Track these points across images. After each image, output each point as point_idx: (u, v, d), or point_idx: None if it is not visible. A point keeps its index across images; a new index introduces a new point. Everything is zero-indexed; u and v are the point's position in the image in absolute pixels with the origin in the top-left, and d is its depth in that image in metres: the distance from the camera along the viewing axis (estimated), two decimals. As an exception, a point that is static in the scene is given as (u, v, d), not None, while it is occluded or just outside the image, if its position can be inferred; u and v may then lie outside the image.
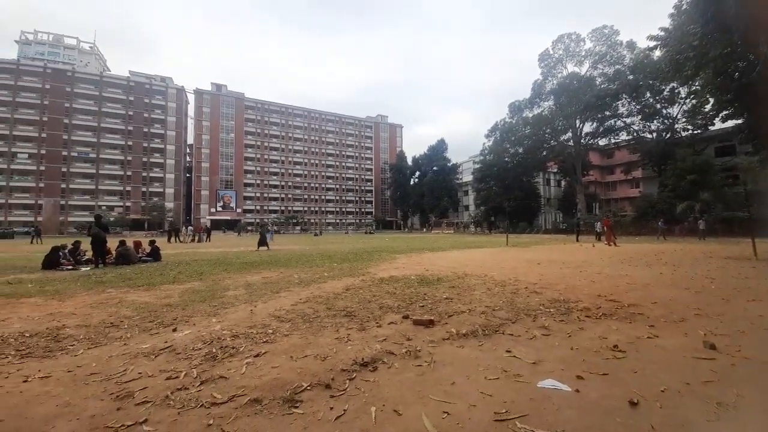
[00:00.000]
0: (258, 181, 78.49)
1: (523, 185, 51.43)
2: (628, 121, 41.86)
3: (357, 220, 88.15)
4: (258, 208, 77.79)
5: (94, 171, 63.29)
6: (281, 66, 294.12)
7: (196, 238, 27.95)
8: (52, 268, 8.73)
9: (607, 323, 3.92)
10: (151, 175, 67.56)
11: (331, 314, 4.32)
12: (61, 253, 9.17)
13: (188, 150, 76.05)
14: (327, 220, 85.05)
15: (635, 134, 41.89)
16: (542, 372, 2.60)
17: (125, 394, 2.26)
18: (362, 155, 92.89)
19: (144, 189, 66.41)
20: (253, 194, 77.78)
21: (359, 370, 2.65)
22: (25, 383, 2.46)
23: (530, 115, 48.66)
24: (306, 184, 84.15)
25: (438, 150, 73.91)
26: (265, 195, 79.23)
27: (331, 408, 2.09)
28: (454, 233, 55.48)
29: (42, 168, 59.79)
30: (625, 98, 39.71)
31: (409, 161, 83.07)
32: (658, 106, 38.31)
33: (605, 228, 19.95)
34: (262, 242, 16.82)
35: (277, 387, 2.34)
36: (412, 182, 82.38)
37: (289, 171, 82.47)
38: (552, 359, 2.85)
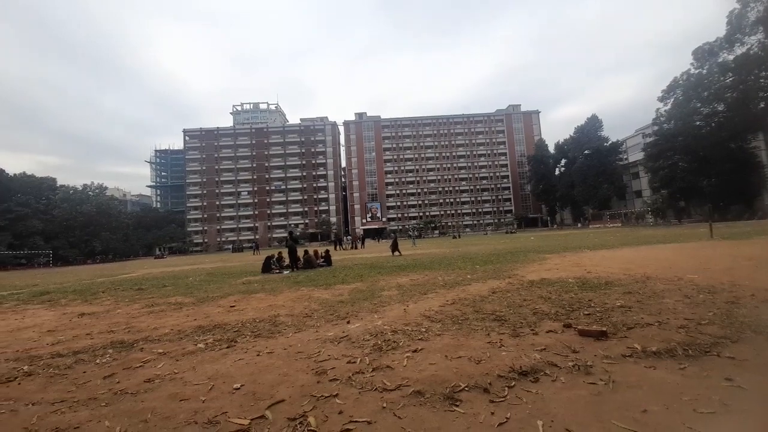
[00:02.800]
0: (397, 192, 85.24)
1: (732, 154, 36.96)
2: None
3: (495, 220, 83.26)
4: (399, 215, 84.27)
5: (284, 198, 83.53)
6: (411, 80, 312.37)
7: (354, 245, 32.54)
8: (267, 272, 11.89)
9: None
10: (319, 196, 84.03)
11: (479, 317, 4.26)
12: (271, 261, 12.43)
13: (342, 172, 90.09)
14: (464, 222, 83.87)
15: None
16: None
17: (321, 371, 2.88)
18: (495, 151, 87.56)
19: (315, 208, 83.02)
20: (394, 204, 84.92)
21: (518, 378, 2.52)
22: (257, 357, 3.44)
23: (729, 57, 34.86)
24: (440, 189, 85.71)
25: (589, 129, 61.69)
26: (405, 203, 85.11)
27: (492, 413, 2.08)
28: (622, 227, 44.98)
29: (255, 201, 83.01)
30: None
31: (551, 149, 72.77)
32: None
33: None
34: (395, 247, 17.82)
35: (436, 383, 2.50)
36: (557, 172, 71.78)
37: (424, 178, 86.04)
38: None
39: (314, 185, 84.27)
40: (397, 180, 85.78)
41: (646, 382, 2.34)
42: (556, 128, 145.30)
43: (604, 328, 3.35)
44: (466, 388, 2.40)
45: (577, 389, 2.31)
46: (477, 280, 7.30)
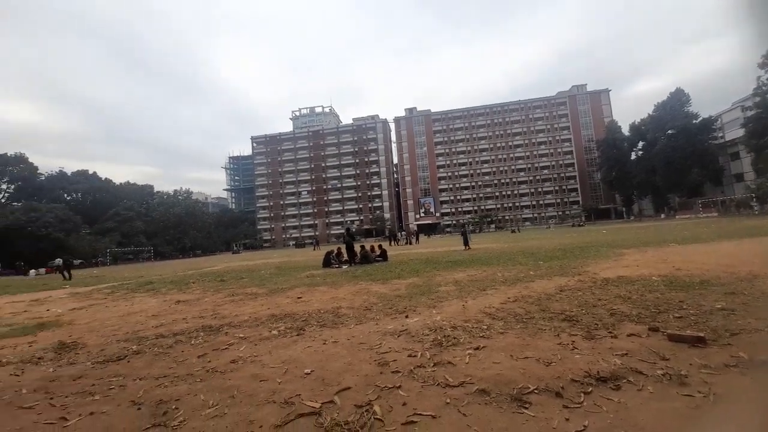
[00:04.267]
0: (450, 186, 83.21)
1: None
2: None
3: (559, 213, 76.84)
4: (453, 210, 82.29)
5: (340, 196, 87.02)
6: (460, 71, 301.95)
7: (408, 240, 32.68)
8: (327, 267, 12.55)
9: None
10: (373, 193, 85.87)
11: (546, 316, 4.01)
12: (331, 256, 13.09)
13: (394, 168, 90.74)
14: (523, 216, 78.82)
15: None
16: None
17: (383, 362, 2.96)
18: (557, 137, 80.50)
19: (370, 205, 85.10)
20: (447, 198, 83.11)
21: (596, 384, 2.33)
22: (324, 345, 3.66)
23: None
24: (496, 181, 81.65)
25: (673, 106, 53.16)
26: (458, 197, 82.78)
27: (567, 419, 1.95)
28: (720, 216, 38.39)
29: (314, 199, 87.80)
30: None
31: (626, 131, 64.18)
32: None
33: None
34: (466, 241, 17.42)
35: (501, 382, 2.42)
36: (633, 156, 63.35)
37: (478, 171, 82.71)
38: None
39: (368, 182, 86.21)
40: (449, 174, 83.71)
41: (755, 397, 2.00)
42: (628, 109, 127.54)
43: (702, 334, 2.93)
44: (536, 391, 2.28)
45: (669, 401, 2.06)
46: (541, 277, 6.86)
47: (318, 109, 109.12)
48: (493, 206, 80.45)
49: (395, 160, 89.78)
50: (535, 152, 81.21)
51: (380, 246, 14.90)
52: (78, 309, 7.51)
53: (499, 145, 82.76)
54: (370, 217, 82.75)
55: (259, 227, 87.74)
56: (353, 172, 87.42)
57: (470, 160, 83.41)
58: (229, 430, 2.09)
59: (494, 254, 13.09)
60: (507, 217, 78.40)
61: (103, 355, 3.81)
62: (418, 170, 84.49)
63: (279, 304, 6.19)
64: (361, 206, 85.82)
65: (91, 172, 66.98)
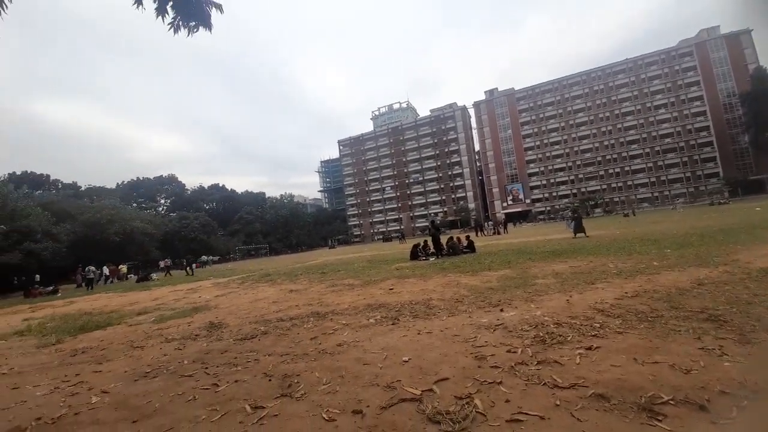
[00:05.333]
0: (542, 169, 75.22)
1: None
2: None
3: (690, 189, 62.17)
4: (546, 195, 74.37)
5: (423, 189, 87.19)
6: (545, 42, 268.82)
7: (496, 230, 30.94)
8: (414, 259, 12.80)
9: None
10: (455, 183, 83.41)
11: (680, 315, 3.36)
12: (417, 249, 13.30)
13: (477, 156, 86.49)
14: (639, 196, 66.30)
15: None
16: None
17: (480, 356, 2.91)
18: (682, 96, 64.77)
19: (453, 196, 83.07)
20: (538, 183, 75.47)
21: (753, 398, 1.88)
22: (418, 335, 3.75)
23: None
24: (599, 158, 70.37)
25: None
26: (552, 181, 74.34)
27: (716, 436, 1.63)
28: None
29: (397, 194, 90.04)
30: None
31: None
32: None
33: None
34: (578, 227, 14.92)
35: (625, 389, 2.14)
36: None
37: (575, 149, 72.62)
38: None
39: (449, 173, 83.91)
40: (540, 156, 75.55)
41: None
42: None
43: None
44: (671, 402, 1.95)
45: None
46: (669, 268, 5.76)
47: (396, 106, 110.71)
48: (597, 187, 69.68)
49: (477, 148, 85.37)
50: (651, 118, 67.17)
51: (467, 237, 14.45)
52: (220, 296, 9.26)
53: (601, 115, 71.00)
54: (454, 208, 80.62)
55: (349, 223, 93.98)
56: (434, 164, 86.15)
57: (565, 137, 73.73)
58: (342, 405, 2.34)
59: (603, 242, 11.44)
60: (616, 199, 67.23)
61: (241, 334, 4.65)
62: (503, 155, 78.66)
63: (373, 294, 6.58)
64: (443, 198, 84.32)
65: (220, 185, 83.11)
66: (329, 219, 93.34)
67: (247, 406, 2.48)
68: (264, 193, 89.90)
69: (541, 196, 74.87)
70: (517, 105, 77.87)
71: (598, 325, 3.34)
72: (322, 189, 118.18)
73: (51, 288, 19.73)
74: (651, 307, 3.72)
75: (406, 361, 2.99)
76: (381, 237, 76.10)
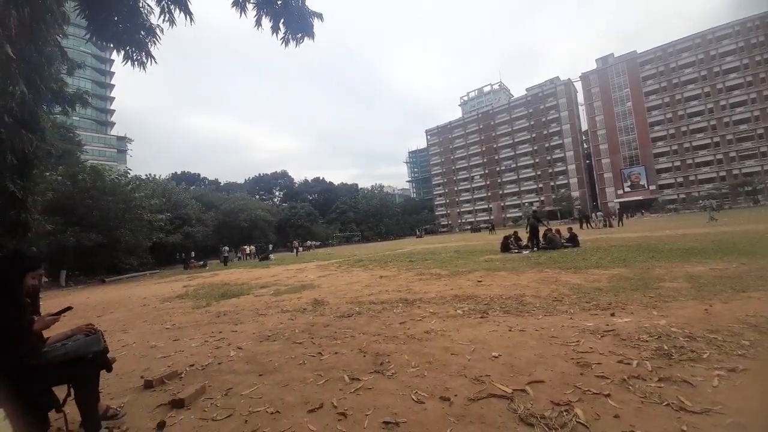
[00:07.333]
0: (674, 147, 61.11)
1: None
2: None
3: None
4: (680, 180, 60.34)
5: (515, 177, 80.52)
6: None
7: (607, 222, 26.76)
8: (506, 251, 12.05)
9: None
10: (556, 170, 74.22)
11: None
12: (509, 241, 12.48)
13: (584, 137, 75.39)
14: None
15: None
16: None
17: (584, 363, 2.64)
18: None
19: (552, 183, 74.39)
20: (669, 164, 61.65)
21: None
22: (509, 332, 3.58)
23: None
24: (760, 130, 53.31)
25: None
26: (688, 161, 59.78)
27: None
28: None
29: (487, 183, 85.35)
30: None
31: None
32: None
33: None
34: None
35: (786, 425, 1.70)
36: None
37: (724, 119, 56.57)
38: None
39: (548, 158, 74.82)
40: (672, 131, 61.22)
41: None
42: None
43: None
44: None
45: None
46: None
47: (486, 89, 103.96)
48: (757, 168, 53.33)
49: (585, 127, 74.00)
50: None
51: (570, 229, 12.88)
52: (322, 277, 10.41)
53: (763, 75, 53.09)
54: (553, 196, 71.97)
55: (436, 213, 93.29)
56: (530, 149, 77.94)
57: (710, 105, 57.92)
58: (430, 390, 2.44)
59: (759, 239, 8.86)
60: (789, 184, 50.58)
61: (339, 312, 5.18)
62: (619, 134, 66.36)
63: (461, 285, 6.50)
64: (540, 185, 75.97)
65: (321, 178, 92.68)
66: (416, 208, 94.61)
67: (345, 376, 2.79)
68: (357, 185, 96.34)
69: (672, 180, 61.23)
70: (640, 71, 64.53)
71: (747, 343, 2.67)
72: (410, 179, 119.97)
73: (202, 262, 25.04)
74: (842, 330, 2.78)
75: (496, 357, 2.91)
76: (469, 227, 73.47)
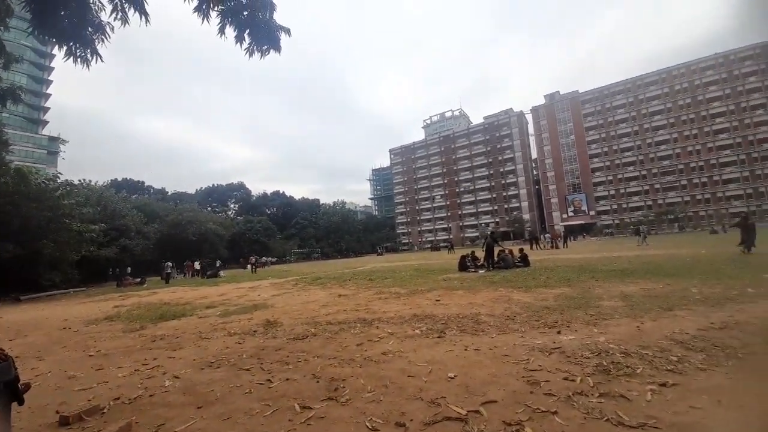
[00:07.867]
0: (609, 178, 68.51)
1: None
2: None
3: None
4: (614, 207, 67.39)
5: (473, 198, 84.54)
6: (617, 37, 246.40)
7: (554, 244, 28.79)
8: (463, 270, 12.40)
9: None
10: (509, 193, 79.47)
11: (788, 357, 2.82)
12: (466, 260, 12.88)
13: (533, 165, 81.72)
14: (731, 210, 56.81)
15: None
16: None
17: (533, 381, 2.72)
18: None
19: (506, 206, 79.24)
20: (605, 192, 68.75)
21: None
22: (465, 351, 3.62)
23: None
24: (680, 166, 61.98)
25: None
26: (621, 191, 67.20)
27: None
28: None
29: (447, 203, 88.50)
30: None
31: None
32: None
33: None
34: (750, 239, 11.21)
35: (707, 435, 1.86)
36: None
37: (650, 155, 64.86)
38: None
39: (502, 182, 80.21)
40: (607, 163, 68.85)
41: None
42: None
43: None
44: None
45: None
46: (774, 299, 4.85)
47: (448, 114, 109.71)
48: (678, 199, 61.41)
49: (534, 155, 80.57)
50: (746, 120, 57.66)
51: (521, 250, 13.65)
52: (276, 296, 9.89)
53: (684, 118, 62.63)
54: (507, 218, 76.67)
55: (398, 231, 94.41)
56: (486, 173, 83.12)
57: (638, 143, 66.26)
58: (385, 416, 2.35)
59: (682, 263, 10.04)
60: (702, 213, 58.66)
61: (293, 334, 4.92)
62: (563, 163, 73.15)
63: (420, 304, 6.52)
64: (495, 207, 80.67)
65: (281, 191, 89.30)
66: (378, 226, 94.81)
67: (296, 405, 2.61)
68: (318, 200, 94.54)
69: (608, 207, 68.14)
70: (582, 108, 72.28)
71: (675, 359, 2.94)
72: (372, 197, 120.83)
73: (139, 279, 22.71)
74: (743, 342, 3.18)
75: (452, 378, 2.91)
76: (429, 246, 74.96)
